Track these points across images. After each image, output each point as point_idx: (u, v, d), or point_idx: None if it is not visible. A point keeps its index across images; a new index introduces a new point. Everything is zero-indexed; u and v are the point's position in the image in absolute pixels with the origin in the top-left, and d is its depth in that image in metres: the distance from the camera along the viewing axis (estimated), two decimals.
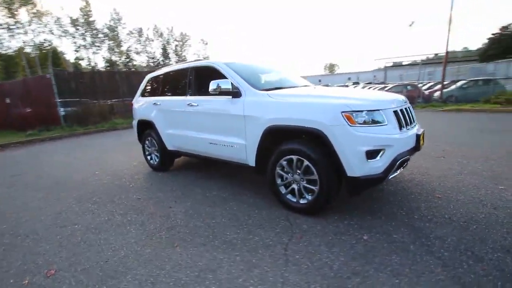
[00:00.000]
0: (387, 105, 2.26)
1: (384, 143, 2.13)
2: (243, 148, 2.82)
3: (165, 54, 51.43)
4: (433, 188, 2.93)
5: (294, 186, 2.48)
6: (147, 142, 4.34)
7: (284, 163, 2.49)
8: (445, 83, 13.29)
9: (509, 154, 3.99)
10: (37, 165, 5.31)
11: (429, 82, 17.41)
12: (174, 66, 3.89)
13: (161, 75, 4.09)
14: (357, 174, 2.11)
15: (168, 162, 4.21)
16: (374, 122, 2.14)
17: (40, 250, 2.23)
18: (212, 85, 2.80)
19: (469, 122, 7.53)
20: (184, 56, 55.99)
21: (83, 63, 38.02)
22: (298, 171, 2.41)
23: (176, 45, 53.40)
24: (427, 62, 20.22)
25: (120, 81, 12.51)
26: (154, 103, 3.98)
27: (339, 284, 1.62)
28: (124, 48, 39.82)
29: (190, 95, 3.44)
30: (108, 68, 34.98)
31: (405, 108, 2.47)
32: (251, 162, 2.80)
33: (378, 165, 2.12)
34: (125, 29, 39.70)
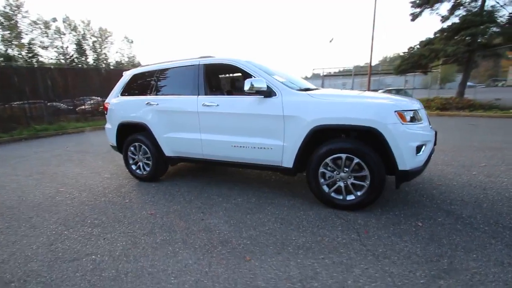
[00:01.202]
0: (419, 105, 2.57)
1: (426, 139, 2.41)
2: (279, 149, 2.72)
3: (80, 51, 44.94)
4: (429, 178, 3.44)
5: (340, 183, 2.54)
6: (132, 148, 3.72)
7: (330, 161, 2.53)
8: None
9: (456, 147, 5.00)
10: None
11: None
12: (173, 61, 3.45)
13: (154, 71, 3.57)
14: (407, 168, 2.32)
15: (162, 170, 3.71)
16: (417, 120, 2.40)
17: None
18: (247, 84, 2.62)
19: None
20: (105, 54, 50.04)
21: None
22: (346, 168, 2.49)
23: (94, 42, 47.32)
24: (356, 74, 23.39)
25: (41, 79, 10.27)
26: (148, 103, 3.44)
27: (436, 267, 1.75)
28: (25, 40, 32.85)
29: (203, 94, 3.13)
30: (3, 64, 28.15)
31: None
32: (288, 163, 2.73)
33: (422, 158, 2.39)
34: (27, 19, 32.71)
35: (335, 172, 2.55)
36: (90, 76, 12.41)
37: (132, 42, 52.48)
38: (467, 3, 12.85)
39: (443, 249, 1.95)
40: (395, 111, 2.30)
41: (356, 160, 2.41)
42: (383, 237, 2.13)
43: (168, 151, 3.44)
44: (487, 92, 15.70)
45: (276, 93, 2.70)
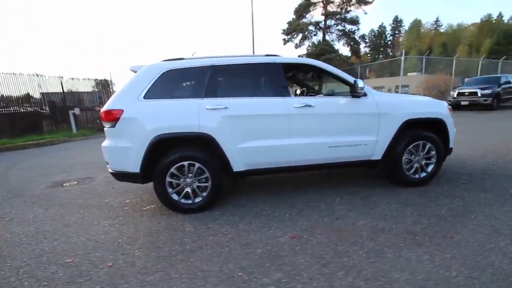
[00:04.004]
0: None
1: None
2: (373, 144, 3.00)
3: None
4: None
5: (417, 165, 3.18)
6: (173, 171, 2.67)
7: (412, 148, 3.11)
8: None
9: None
10: None
11: None
12: (232, 57, 2.80)
13: (205, 67, 2.71)
14: (452, 146, 3.31)
15: (220, 193, 2.92)
16: None
17: None
18: (357, 85, 2.79)
19: None
20: None
21: None
22: (421, 153, 3.16)
23: None
24: None
25: None
26: (210, 108, 2.64)
27: None
28: None
29: (287, 96, 2.84)
30: None
31: None
32: (377, 156, 3.06)
33: None
34: None
35: (413, 156, 3.16)
36: None
37: None
38: (310, 37, 17.56)
39: None
40: (447, 106, 3.23)
41: (429, 144, 3.13)
42: (484, 200, 2.80)
43: (239, 165, 2.79)
44: None
45: (367, 93, 2.99)
